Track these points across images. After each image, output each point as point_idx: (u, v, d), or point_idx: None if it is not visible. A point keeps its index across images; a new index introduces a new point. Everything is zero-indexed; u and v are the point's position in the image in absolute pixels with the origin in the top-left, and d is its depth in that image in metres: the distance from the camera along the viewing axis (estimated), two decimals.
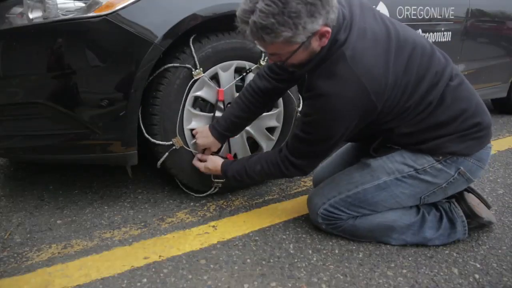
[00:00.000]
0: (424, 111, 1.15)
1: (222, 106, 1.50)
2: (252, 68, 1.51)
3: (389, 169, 1.22)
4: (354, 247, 1.27)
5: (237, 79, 1.50)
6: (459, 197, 1.32)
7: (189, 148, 1.47)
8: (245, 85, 1.48)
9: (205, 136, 1.42)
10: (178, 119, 1.41)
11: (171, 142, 1.41)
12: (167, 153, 1.42)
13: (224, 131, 1.40)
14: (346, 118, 1.10)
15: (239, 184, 1.53)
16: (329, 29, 1.01)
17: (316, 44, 1.04)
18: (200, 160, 1.45)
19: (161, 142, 1.40)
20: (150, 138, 1.39)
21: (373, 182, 1.23)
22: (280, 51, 1.05)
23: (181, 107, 1.40)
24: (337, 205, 1.25)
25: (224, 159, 1.41)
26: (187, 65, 1.37)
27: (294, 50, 1.03)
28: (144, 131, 1.39)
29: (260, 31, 0.97)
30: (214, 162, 1.40)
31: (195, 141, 1.44)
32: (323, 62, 1.08)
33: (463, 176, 1.21)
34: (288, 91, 1.61)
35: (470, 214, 1.29)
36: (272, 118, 1.63)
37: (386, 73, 1.07)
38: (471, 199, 1.32)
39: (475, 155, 1.20)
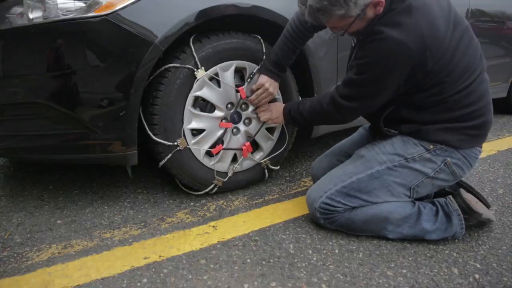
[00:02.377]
0: (450, 91, 1.19)
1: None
2: (254, 71, 1.51)
3: (381, 159, 1.29)
4: (354, 247, 1.27)
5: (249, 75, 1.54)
6: (456, 194, 1.35)
7: (191, 148, 1.47)
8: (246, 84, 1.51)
9: (267, 82, 1.48)
10: (181, 119, 1.42)
11: (175, 143, 1.41)
12: (170, 154, 1.42)
13: (281, 72, 1.50)
14: (399, 65, 1.14)
15: (295, 124, 1.58)
16: None
17: (371, 13, 1.12)
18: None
19: (166, 142, 1.40)
20: (156, 138, 1.39)
21: (366, 171, 1.28)
22: (338, 25, 1.15)
23: (184, 107, 1.41)
24: (333, 197, 1.29)
25: (284, 104, 1.53)
26: (187, 66, 1.37)
27: (350, 22, 1.12)
28: (148, 130, 1.39)
29: (316, 12, 1.10)
30: (277, 106, 1.53)
31: (259, 96, 1.50)
32: (388, 12, 1.13)
33: (449, 168, 1.27)
34: (288, 91, 1.61)
35: (468, 210, 1.30)
36: None
37: (445, 34, 1.13)
38: (468, 196, 1.34)
39: (464, 151, 1.26)
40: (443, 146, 1.25)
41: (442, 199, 1.33)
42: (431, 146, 1.25)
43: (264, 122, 1.58)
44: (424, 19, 1.11)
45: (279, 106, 1.52)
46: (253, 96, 1.50)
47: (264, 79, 1.48)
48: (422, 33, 1.10)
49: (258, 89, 1.49)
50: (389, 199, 1.29)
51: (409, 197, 1.31)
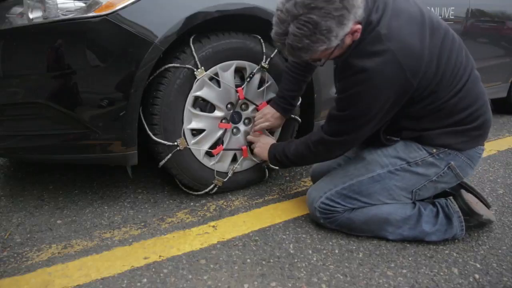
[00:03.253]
0: (444, 97, 1.18)
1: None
2: (255, 70, 1.51)
3: (383, 162, 1.27)
4: (354, 247, 1.27)
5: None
6: (457, 195, 1.34)
7: (191, 148, 1.47)
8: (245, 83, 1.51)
9: (270, 114, 1.51)
10: (181, 119, 1.42)
11: (175, 143, 1.41)
12: (170, 154, 1.42)
13: (287, 105, 1.51)
14: (381, 97, 1.12)
15: (280, 166, 1.55)
16: (359, 26, 1.06)
17: (349, 40, 1.09)
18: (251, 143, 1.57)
19: (166, 142, 1.40)
20: (155, 138, 1.39)
21: (368, 174, 1.27)
22: (318, 57, 1.11)
23: (184, 107, 1.41)
24: (333, 198, 1.28)
25: (274, 142, 1.51)
26: (187, 66, 1.37)
27: (330, 53, 1.09)
28: (148, 130, 1.39)
29: (297, 51, 1.05)
30: (266, 140, 1.52)
31: (257, 121, 1.53)
32: (359, 44, 1.11)
33: (452, 171, 1.25)
34: None
35: (468, 211, 1.29)
36: None
37: (422, 50, 1.10)
38: (468, 197, 1.33)
39: (467, 152, 1.25)
40: (446, 149, 1.23)
41: (443, 201, 1.32)
42: (434, 150, 1.23)
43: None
44: (395, 44, 1.07)
45: (268, 143, 1.49)
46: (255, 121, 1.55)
47: (267, 108, 1.53)
48: (397, 58, 1.06)
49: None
50: (389, 201, 1.28)
51: (411, 199, 1.30)
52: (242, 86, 1.50)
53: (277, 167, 1.64)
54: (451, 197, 1.33)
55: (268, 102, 1.60)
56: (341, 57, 1.16)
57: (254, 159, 1.61)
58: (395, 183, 1.26)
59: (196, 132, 1.49)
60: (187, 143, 1.45)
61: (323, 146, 1.27)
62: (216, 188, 1.57)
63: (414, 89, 1.12)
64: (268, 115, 1.51)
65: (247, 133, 1.60)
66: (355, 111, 1.16)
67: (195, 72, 1.38)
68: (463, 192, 1.34)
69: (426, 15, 1.15)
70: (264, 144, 1.50)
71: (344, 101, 1.18)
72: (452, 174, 1.26)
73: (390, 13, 1.10)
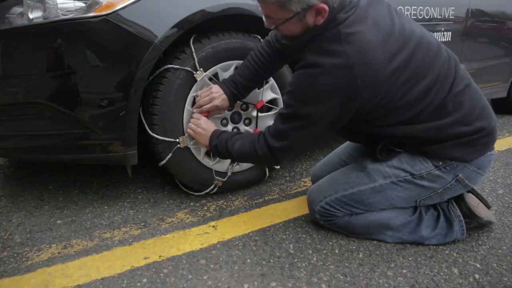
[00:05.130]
0: (422, 113, 1.12)
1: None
2: None
3: (386, 172, 1.22)
4: (354, 247, 1.27)
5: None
6: (458, 197, 1.32)
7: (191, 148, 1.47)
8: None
9: (216, 92, 1.37)
10: (181, 119, 1.42)
11: (178, 140, 1.41)
12: (170, 154, 1.42)
13: (235, 90, 1.39)
14: (326, 98, 1.06)
15: (218, 156, 1.42)
16: (325, 7, 1.01)
17: (311, 20, 1.04)
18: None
19: (167, 139, 1.40)
20: (157, 136, 1.38)
21: (369, 184, 1.23)
22: (274, 15, 1.05)
23: (184, 107, 1.41)
24: (332, 203, 1.27)
25: (217, 129, 1.37)
26: (187, 68, 1.37)
27: (287, 17, 1.03)
28: (148, 129, 1.38)
29: None
30: (208, 125, 1.36)
31: (201, 98, 1.39)
32: (317, 37, 1.07)
33: (461, 183, 1.21)
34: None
35: (469, 214, 1.28)
36: (272, 118, 1.64)
37: (383, 62, 1.03)
38: (470, 199, 1.32)
39: (475, 162, 1.19)
40: (453, 162, 1.17)
41: (444, 204, 1.31)
42: (441, 163, 1.17)
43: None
44: (354, 48, 1.01)
45: (209, 129, 1.35)
46: (197, 97, 1.40)
47: (215, 87, 1.39)
48: (351, 63, 1.00)
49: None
50: (390, 209, 1.27)
51: (414, 207, 1.28)
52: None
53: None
54: (452, 200, 1.31)
55: (268, 102, 1.60)
56: (297, 40, 1.11)
57: (190, 143, 1.46)
58: (397, 194, 1.22)
59: None
60: (188, 143, 1.45)
61: (268, 149, 1.19)
62: (216, 188, 1.57)
63: (366, 101, 1.06)
64: (215, 94, 1.37)
65: (246, 132, 1.60)
66: (298, 110, 1.11)
67: (194, 75, 1.38)
68: (465, 194, 1.32)
69: (397, 25, 1.08)
70: (204, 130, 1.36)
71: (289, 96, 1.13)
72: (460, 186, 1.22)
73: (358, 17, 1.04)
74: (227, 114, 1.53)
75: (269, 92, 1.59)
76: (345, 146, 1.55)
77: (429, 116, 1.13)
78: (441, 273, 1.15)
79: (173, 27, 1.28)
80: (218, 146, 1.31)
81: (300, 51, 1.14)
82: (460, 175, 1.19)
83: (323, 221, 1.31)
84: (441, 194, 1.24)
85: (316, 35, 1.07)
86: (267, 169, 1.68)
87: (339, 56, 1.02)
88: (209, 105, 1.38)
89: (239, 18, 1.44)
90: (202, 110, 1.40)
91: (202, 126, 1.37)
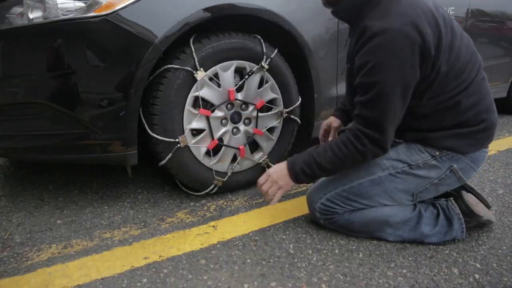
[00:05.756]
0: (451, 92, 1.16)
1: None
2: (254, 69, 1.51)
3: (384, 165, 1.25)
4: (354, 247, 1.27)
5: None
6: (458, 196, 1.33)
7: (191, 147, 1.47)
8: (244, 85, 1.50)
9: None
10: (181, 119, 1.42)
11: (178, 140, 1.41)
12: (171, 154, 1.42)
13: (345, 110, 1.51)
14: (404, 57, 1.06)
15: (310, 180, 1.28)
16: None
17: None
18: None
19: (167, 139, 1.40)
20: (157, 136, 1.38)
21: (368, 177, 1.25)
22: None
23: (184, 107, 1.41)
24: (333, 199, 1.27)
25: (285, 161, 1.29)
26: (187, 68, 1.37)
27: None
28: (148, 129, 1.39)
29: None
30: (276, 167, 1.27)
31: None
32: (377, 6, 1.11)
33: (455, 174, 1.24)
34: (288, 91, 1.62)
35: (469, 213, 1.29)
36: (272, 118, 1.64)
37: (436, 27, 1.09)
38: (469, 198, 1.32)
39: (470, 155, 1.23)
40: (449, 152, 1.21)
41: (443, 202, 1.31)
42: (437, 153, 1.21)
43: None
44: (410, 8, 1.07)
45: (280, 166, 1.25)
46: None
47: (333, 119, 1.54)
48: (415, 20, 1.05)
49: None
50: (390, 203, 1.28)
51: (411, 201, 1.29)
52: (235, 87, 1.50)
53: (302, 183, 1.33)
54: (451, 199, 1.32)
55: (268, 102, 1.60)
56: (351, 16, 1.17)
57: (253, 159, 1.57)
58: (396, 186, 1.25)
59: (196, 132, 1.49)
60: (188, 142, 1.45)
61: (370, 140, 1.13)
62: (216, 188, 1.57)
63: (433, 59, 1.09)
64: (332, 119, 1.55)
65: (247, 133, 1.60)
66: (380, 87, 1.08)
67: (194, 75, 1.39)
68: (464, 193, 1.33)
69: (439, 8, 1.17)
70: (276, 173, 1.25)
71: (366, 76, 1.09)
72: (454, 177, 1.25)
73: None
74: (227, 114, 1.53)
75: (269, 92, 1.59)
76: None
77: (456, 91, 1.16)
78: (441, 273, 1.15)
79: (173, 27, 1.28)
80: (305, 169, 1.20)
81: (350, 20, 1.21)
82: (455, 165, 1.23)
83: (323, 220, 1.32)
84: (436, 186, 1.26)
85: (372, 6, 1.11)
86: (267, 168, 1.68)
87: (401, 14, 1.05)
88: (324, 125, 1.54)
89: (239, 18, 1.44)
90: (322, 127, 1.55)
91: (271, 171, 1.27)
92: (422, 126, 1.22)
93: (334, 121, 1.53)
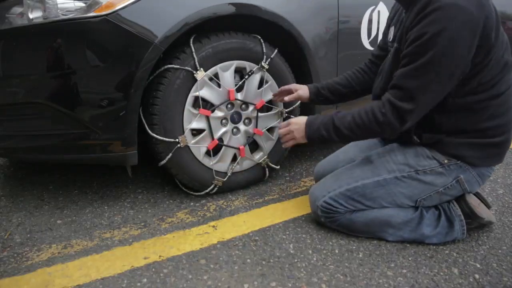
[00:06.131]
0: (485, 93, 1.12)
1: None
2: (254, 69, 1.51)
3: (390, 167, 1.25)
4: (354, 247, 1.27)
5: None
6: (460, 197, 1.32)
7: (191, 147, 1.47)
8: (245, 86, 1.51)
9: (303, 89, 1.49)
10: (181, 119, 1.42)
11: (178, 140, 1.41)
12: (171, 154, 1.42)
13: (320, 87, 1.49)
14: (465, 36, 1.02)
15: (323, 143, 1.34)
16: None
17: None
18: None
19: (167, 139, 1.40)
20: (157, 136, 1.38)
21: (373, 178, 1.25)
22: None
23: (184, 107, 1.41)
24: (336, 198, 1.27)
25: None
26: (187, 68, 1.37)
27: None
28: (148, 129, 1.39)
29: None
30: (298, 119, 1.30)
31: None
32: None
33: (460, 185, 1.23)
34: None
35: (471, 215, 1.28)
36: (272, 118, 1.64)
37: (496, 19, 1.09)
38: (472, 199, 1.31)
39: (478, 169, 1.22)
40: (458, 162, 1.20)
41: (445, 204, 1.31)
42: (446, 161, 1.20)
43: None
44: None
45: (303, 119, 1.29)
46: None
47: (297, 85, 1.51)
48: (480, 0, 1.03)
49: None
50: (391, 207, 1.27)
51: (414, 207, 1.29)
52: (235, 87, 1.50)
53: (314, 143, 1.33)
54: (453, 200, 1.31)
55: (268, 102, 1.60)
56: None
57: (253, 159, 1.58)
58: (400, 190, 1.24)
59: (196, 132, 1.49)
60: (188, 142, 1.45)
61: (393, 113, 1.09)
62: (216, 188, 1.57)
63: (488, 48, 1.07)
64: (298, 85, 1.51)
65: (247, 133, 1.60)
66: (435, 56, 1.03)
67: (194, 75, 1.39)
68: (466, 193, 1.33)
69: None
70: (297, 122, 1.29)
71: (421, 47, 1.04)
72: (459, 188, 1.24)
73: None
74: (227, 114, 1.53)
75: (269, 92, 1.59)
76: (350, 145, 1.57)
77: (488, 95, 1.13)
78: (441, 273, 1.15)
79: (173, 27, 1.28)
80: (321, 130, 1.21)
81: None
82: (462, 176, 1.21)
83: (324, 219, 1.31)
84: (440, 195, 1.25)
85: None
86: (267, 169, 1.68)
87: None
88: (292, 96, 1.49)
89: (239, 18, 1.44)
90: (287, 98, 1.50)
91: (292, 121, 1.31)
92: (443, 126, 1.17)
93: (302, 90, 1.49)
